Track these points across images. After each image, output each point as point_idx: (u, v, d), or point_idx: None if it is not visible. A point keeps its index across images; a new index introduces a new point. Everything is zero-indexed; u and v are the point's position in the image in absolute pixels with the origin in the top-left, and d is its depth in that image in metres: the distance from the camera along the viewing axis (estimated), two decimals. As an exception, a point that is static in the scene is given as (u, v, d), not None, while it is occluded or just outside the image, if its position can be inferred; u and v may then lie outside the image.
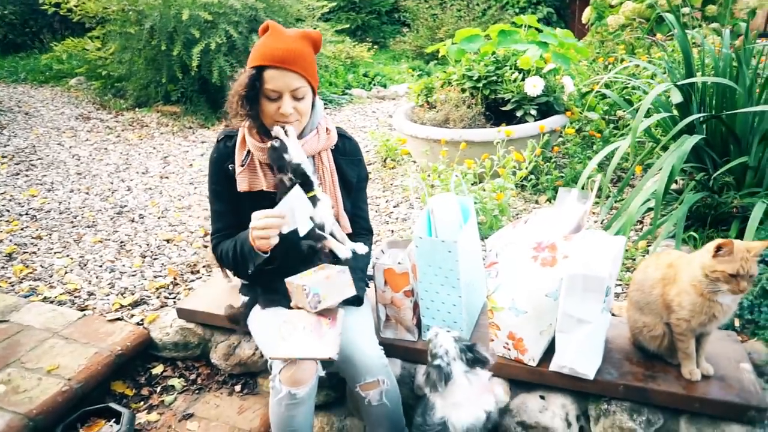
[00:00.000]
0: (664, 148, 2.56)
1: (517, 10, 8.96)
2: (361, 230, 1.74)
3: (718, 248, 1.31)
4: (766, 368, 1.62)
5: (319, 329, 1.46)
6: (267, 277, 1.58)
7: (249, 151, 1.57)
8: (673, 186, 2.78)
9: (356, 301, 1.61)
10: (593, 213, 2.79)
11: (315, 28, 6.08)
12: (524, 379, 1.63)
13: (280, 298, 1.57)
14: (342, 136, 1.70)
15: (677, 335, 1.47)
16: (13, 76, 7.25)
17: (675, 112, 2.60)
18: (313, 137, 1.60)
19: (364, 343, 1.51)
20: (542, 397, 1.62)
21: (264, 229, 1.41)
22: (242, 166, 1.57)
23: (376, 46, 8.45)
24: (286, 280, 1.51)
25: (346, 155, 1.70)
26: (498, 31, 3.37)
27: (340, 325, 1.47)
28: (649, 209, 2.49)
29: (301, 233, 1.48)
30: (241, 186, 1.57)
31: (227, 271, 1.93)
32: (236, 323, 1.74)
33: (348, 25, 8.56)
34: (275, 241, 1.45)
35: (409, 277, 1.66)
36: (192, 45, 4.69)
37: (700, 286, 1.36)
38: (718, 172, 2.24)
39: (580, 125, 3.21)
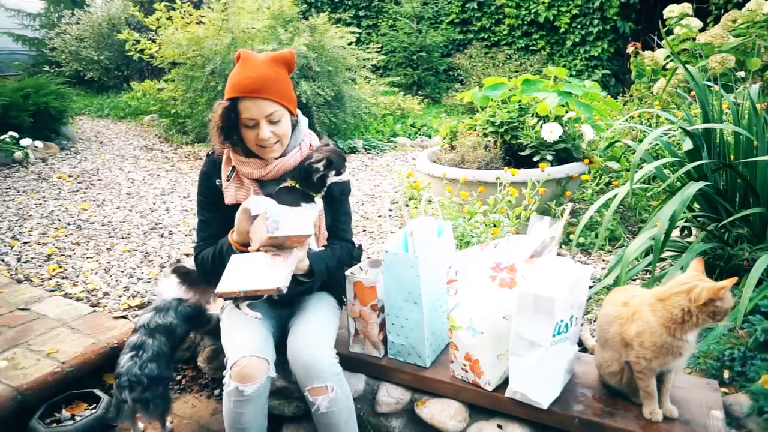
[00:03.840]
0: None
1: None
2: (339, 241, 1.80)
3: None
4: (747, 420, 1.50)
5: (272, 265, 1.50)
6: None
7: (234, 167, 1.67)
8: (690, 238, 2.67)
9: (308, 290, 1.68)
10: (603, 261, 2.71)
11: (365, 79, 6.43)
12: (481, 404, 1.60)
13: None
14: None
15: (637, 373, 1.41)
16: (99, 111, 8.11)
17: (688, 161, 2.53)
18: (295, 153, 1.69)
19: (315, 345, 1.55)
20: (500, 427, 1.57)
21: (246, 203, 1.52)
22: (228, 180, 1.67)
23: (428, 100, 8.74)
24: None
25: None
26: (523, 80, 3.46)
27: (293, 261, 1.52)
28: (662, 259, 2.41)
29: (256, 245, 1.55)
30: (228, 199, 1.65)
31: None
32: (187, 277, 1.85)
33: (404, 80, 8.96)
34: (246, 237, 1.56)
35: (377, 291, 1.70)
36: (246, 87, 5.08)
37: (681, 326, 1.31)
38: (725, 221, 2.15)
39: (601, 174, 3.17)
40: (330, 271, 1.72)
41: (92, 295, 2.51)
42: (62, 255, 2.99)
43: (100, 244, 3.15)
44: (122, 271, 2.78)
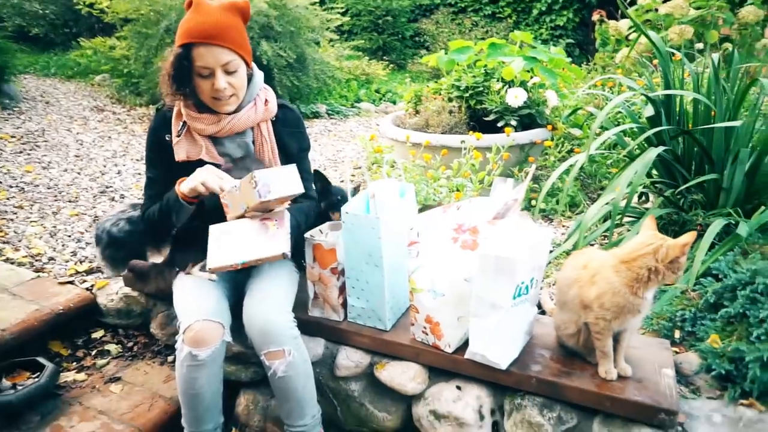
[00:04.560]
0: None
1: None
2: (304, 198, 1.73)
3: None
4: (695, 378, 1.54)
5: (266, 231, 1.43)
6: (188, 238, 1.60)
7: (185, 123, 1.59)
8: (647, 204, 2.72)
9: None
10: (564, 226, 2.74)
11: (330, 42, 6.23)
12: (441, 366, 1.59)
13: (195, 256, 1.58)
14: (283, 106, 1.71)
15: (595, 334, 1.42)
16: (45, 70, 7.60)
17: (649, 128, 2.55)
18: (250, 109, 1.61)
19: (273, 309, 1.50)
20: (459, 388, 1.57)
21: (204, 183, 1.43)
22: (178, 136, 1.58)
23: (393, 66, 8.59)
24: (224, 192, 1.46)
25: (287, 126, 1.71)
26: (489, 44, 3.40)
27: (287, 224, 1.45)
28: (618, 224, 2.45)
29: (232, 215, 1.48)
30: (179, 155, 1.57)
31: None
32: (141, 277, 1.80)
33: (369, 44, 8.75)
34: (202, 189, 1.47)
35: (337, 254, 1.66)
36: (204, 46, 4.84)
37: (646, 285, 1.32)
38: (682, 187, 2.18)
39: (564, 140, 3.18)
40: (300, 229, 1.66)
41: (36, 260, 2.38)
42: (3, 218, 2.81)
43: (45, 208, 2.98)
44: (69, 236, 2.64)
